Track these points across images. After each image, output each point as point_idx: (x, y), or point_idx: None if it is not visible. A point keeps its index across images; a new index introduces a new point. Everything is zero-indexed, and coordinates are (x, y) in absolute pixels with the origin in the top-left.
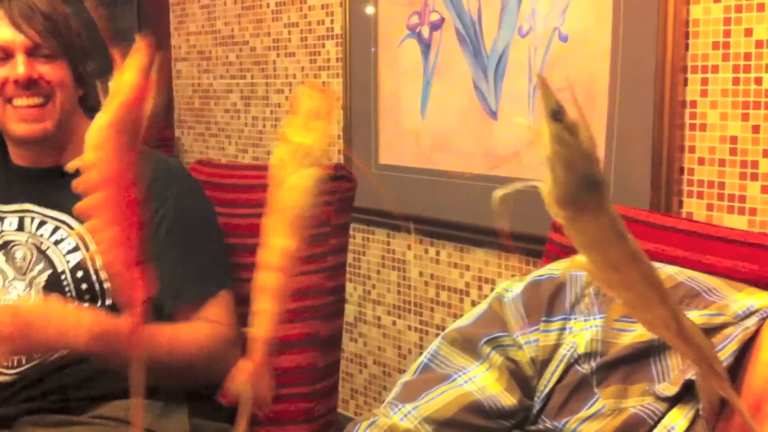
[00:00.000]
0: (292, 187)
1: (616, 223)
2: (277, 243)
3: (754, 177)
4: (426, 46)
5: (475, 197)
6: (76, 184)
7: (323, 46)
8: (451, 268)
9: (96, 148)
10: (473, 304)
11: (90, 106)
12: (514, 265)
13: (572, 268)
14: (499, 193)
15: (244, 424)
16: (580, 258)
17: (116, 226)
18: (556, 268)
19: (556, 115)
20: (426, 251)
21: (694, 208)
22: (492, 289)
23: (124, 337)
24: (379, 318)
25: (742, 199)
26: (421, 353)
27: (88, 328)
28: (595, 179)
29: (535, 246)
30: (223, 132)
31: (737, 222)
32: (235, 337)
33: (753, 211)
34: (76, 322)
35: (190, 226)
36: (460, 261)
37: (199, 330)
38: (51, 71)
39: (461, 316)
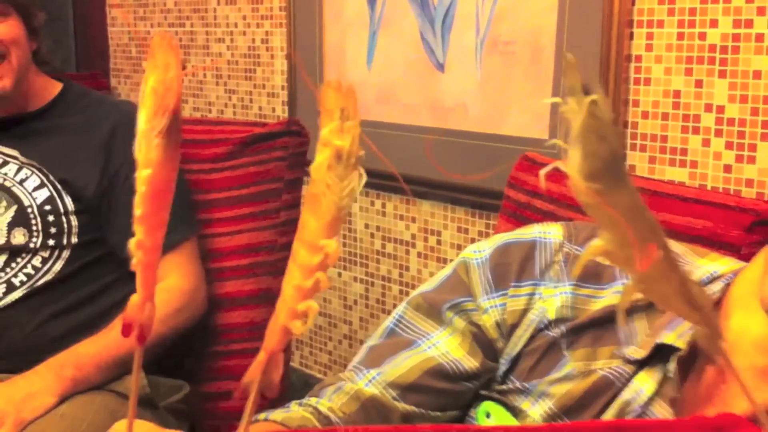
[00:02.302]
0: (340, 191)
1: (639, 196)
2: (324, 245)
3: (696, 131)
4: None
5: (422, 150)
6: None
7: None
8: (397, 220)
9: (150, 160)
10: (419, 255)
11: (42, 60)
12: (460, 216)
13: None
14: (542, 172)
15: (249, 413)
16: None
17: (157, 233)
18: (524, 233)
19: (588, 90)
20: (372, 203)
21: (637, 161)
22: (438, 241)
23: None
24: None
25: (684, 152)
26: (367, 304)
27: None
28: (621, 151)
29: (480, 198)
30: None
31: (679, 174)
32: (193, 286)
33: (694, 164)
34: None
35: None
36: (406, 213)
37: (160, 302)
38: (4, 29)
39: (407, 267)
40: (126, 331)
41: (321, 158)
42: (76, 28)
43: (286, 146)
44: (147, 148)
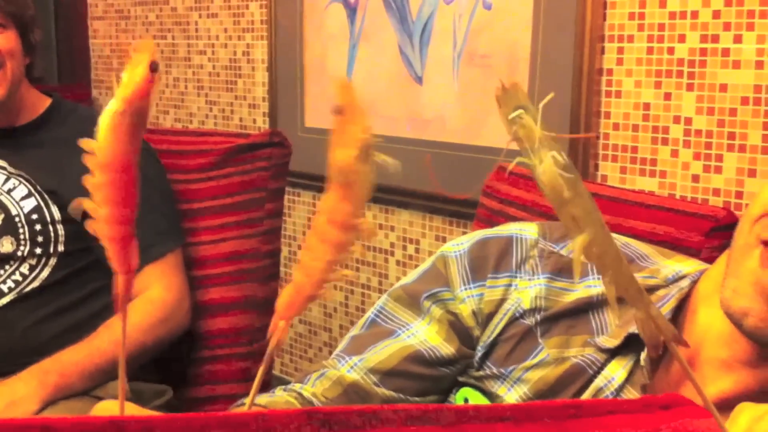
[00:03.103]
0: (368, 176)
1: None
2: (360, 222)
3: (665, 142)
4: (352, 11)
5: (401, 160)
6: (88, 163)
7: (247, 7)
8: (377, 229)
9: (108, 131)
10: (398, 263)
11: (35, 76)
12: (438, 225)
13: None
14: (509, 167)
15: (262, 374)
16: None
17: (115, 205)
18: (502, 230)
19: (525, 108)
20: None
21: (609, 171)
22: (416, 249)
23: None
24: None
25: (654, 162)
26: (346, 312)
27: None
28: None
29: (457, 208)
30: None
31: (649, 184)
32: (176, 298)
33: (663, 174)
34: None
35: (144, 190)
36: (385, 222)
37: (143, 313)
38: (2, 41)
39: (386, 275)
40: (115, 306)
41: (352, 152)
42: (58, 40)
43: (270, 157)
44: (110, 126)
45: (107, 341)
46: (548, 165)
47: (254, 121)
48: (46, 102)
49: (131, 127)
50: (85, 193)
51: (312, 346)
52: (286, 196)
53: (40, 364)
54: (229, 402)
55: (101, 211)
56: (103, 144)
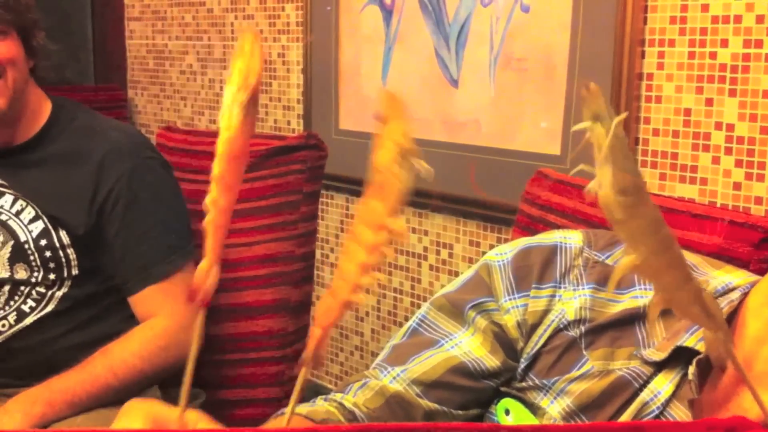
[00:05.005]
0: (404, 179)
1: (658, 209)
2: (390, 223)
3: (706, 148)
4: (388, 13)
5: (435, 164)
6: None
7: (283, 9)
8: (410, 233)
9: (230, 126)
10: (431, 268)
11: (40, 75)
12: (472, 230)
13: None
14: (587, 190)
15: (299, 389)
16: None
17: (230, 192)
18: (545, 238)
19: (610, 114)
20: None
21: (648, 177)
22: (450, 254)
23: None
24: None
25: (694, 169)
26: (378, 316)
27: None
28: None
29: (492, 212)
30: (179, 94)
31: (689, 191)
32: (181, 325)
33: (704, 181)
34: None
35: (145, 204)
36: (418, 226)
37: (141, 340)
38: (2, 49)
39: (419, 279)
40: (191, 296)
41: (388, 154)
42: (94, 40)
43: (305, 159)
44: (229, 116)
45: (101, 367)
46: (605, 182)
47: (288, 123)
48: (48, 108)
49: (252, 114)
50: (84, 217)
51: (343, 349)
52: (319, 199)
53: (27, 393)
54: (262, 405)
55: (221, 201)
56: (232, 135)
